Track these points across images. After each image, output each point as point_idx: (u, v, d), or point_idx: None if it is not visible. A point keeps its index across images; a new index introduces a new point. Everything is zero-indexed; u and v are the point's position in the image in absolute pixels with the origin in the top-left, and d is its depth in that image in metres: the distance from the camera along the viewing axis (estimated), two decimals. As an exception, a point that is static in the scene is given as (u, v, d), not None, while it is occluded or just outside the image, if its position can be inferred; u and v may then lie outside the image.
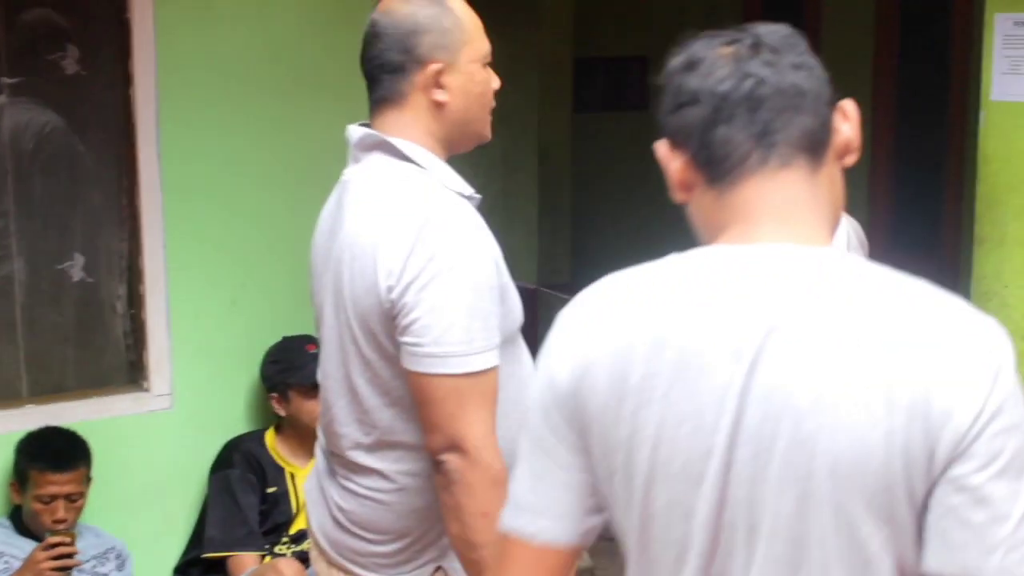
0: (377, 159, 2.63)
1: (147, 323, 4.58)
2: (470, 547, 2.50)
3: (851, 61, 7.35)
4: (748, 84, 1.70)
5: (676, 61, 1.79)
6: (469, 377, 2.48)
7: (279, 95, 4.70)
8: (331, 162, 4.72)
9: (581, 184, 7.46)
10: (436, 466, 2.51)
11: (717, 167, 1.73)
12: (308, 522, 2.90)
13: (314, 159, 4.73)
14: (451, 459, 2.49)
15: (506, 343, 2.60)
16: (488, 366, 2.49)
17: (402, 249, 2.48)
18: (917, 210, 6.62)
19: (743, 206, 1.72)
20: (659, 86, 1.79)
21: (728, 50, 1.74)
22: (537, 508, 1.78)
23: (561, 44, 6.98)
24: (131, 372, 4.66)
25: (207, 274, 4.65)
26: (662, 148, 1.79)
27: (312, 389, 4.42)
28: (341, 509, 2.73)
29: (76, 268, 4.52)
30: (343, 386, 2.66)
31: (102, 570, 4.24)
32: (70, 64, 4.39)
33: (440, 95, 2.61)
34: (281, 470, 4.56)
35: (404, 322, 2.47)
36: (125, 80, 4.45)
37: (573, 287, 6.77)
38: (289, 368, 4.54)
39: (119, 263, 4.59)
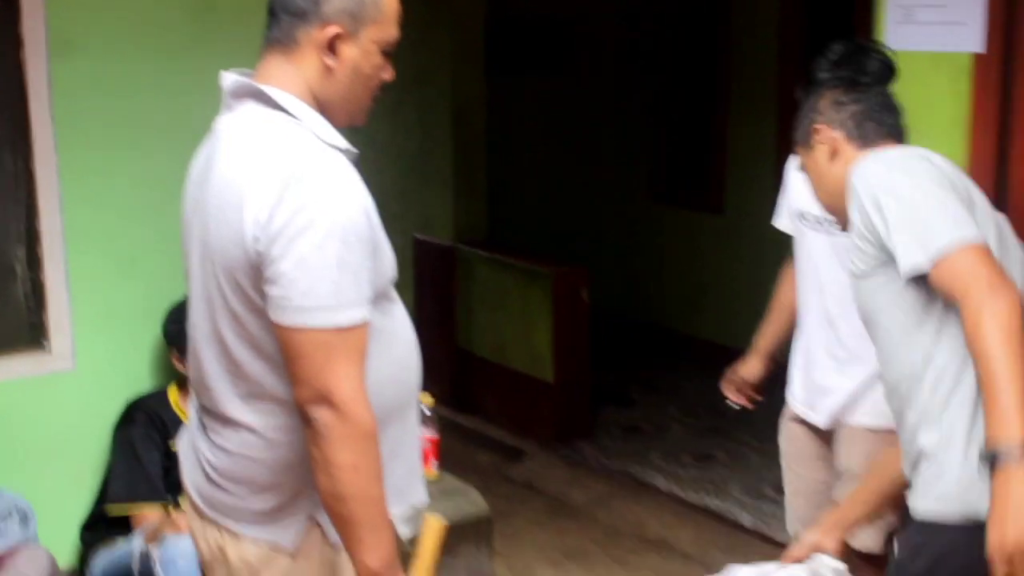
0: (250, 108, 2.58)
1: (46, 285, 4.57)
2: (339, 500, 2.47)
3: (761, 15, 7.46)
4: None
5: None
6: (338, 331, 2.43)
7: (175, 55, 4.68)
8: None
9: (496, 144, 7.48)
10: (305, 420, 2.47)
11: None
12: (182, 478, 2.85)
13: (212, 117, 4.77)
14: (320, 413, 2.44)
15: (378, 297, 2.57)
16: (357, 320, 2.45)
17: (270, 199, 2.42)
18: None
19: None
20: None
21: None
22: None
23: (474, 5, 6.97)
24: (32, 333, 4.64)
25: (106, 234, 4.64)
26: None
27: (211, 347, 4.48)
28: (212, 464, 2.69)
29: (-29, 231, 4.52)
30: (212, 339, 2.62)
31: (5, 528, 4.20)
32: None
33: (330, 60, 2.56)
34: (183, 425, 4.55)
35: (271, 274, 2.42)
36: (16, 43, 4.42)
37: (489, 244, 6.83)
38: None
39: (16, 225, 4.56)
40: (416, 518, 2.80)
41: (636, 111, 8.45)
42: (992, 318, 2.50)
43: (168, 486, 4.48)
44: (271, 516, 2.63)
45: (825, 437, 3.82)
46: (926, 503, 2.69)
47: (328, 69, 2.56)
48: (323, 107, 2.59)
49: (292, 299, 2.41)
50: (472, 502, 4.12)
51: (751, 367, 4.14)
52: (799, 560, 3.23)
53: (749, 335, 7.42)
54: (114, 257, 4.68)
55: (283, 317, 2.42)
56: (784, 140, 7.17)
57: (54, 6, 4.42)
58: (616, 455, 6.48)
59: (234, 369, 2.59)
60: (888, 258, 2.70)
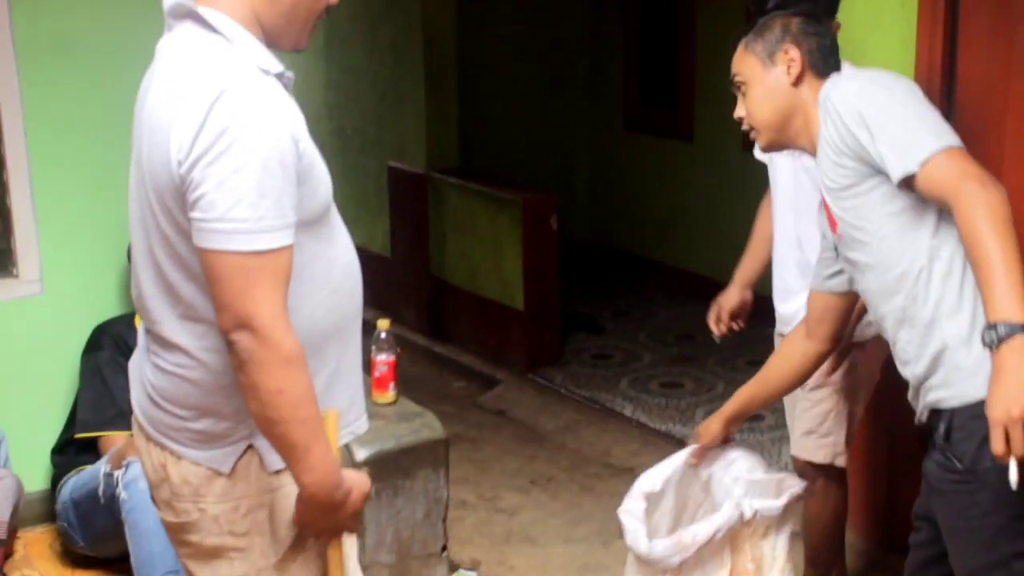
0: (186, 29, 2.57)
1: (12, 210, 4.62)
2: (270, 423, 2.48)
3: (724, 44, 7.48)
4: None
5: None
6: (258, 255, 2.42)
7: None
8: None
9: (469, 71, 7.50)
10: (229, 345, 2.47)
11: None
12: (131, 397, 2.86)
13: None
14: (241, 338, 2.44)
15: (313, 223, 2.58)
16: (278, 245, 2.43)
17: (193, 122, 2.42)
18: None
19: None
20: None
21: None
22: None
23: None
24: (0, 259, 4.71)
25: (71, 159, 4.68)
26: None
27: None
28: (153, 385, 2.70)
29: (-63, 156, 4.54)
30: (148, 259, 2.64)
31: None
32: None
33: None
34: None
35: (193, 197, 2.42)
36: None
37: (461, 171, 6.85)
38: None
39: None
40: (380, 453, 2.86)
41: (608, 37, 8.47)
42: (986, 207, 2.61)
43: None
44: (209, 440, 2.65)
45: None
46: (975, 386, 2.73)
47: None
48: (267, 31, 2.59)
49: (211, 222, 2.40)
50: (428, 425, 4.14)
51: (731, 297, 4.17)
52: (707, 447, 3.58)
53: (718, 261, 7.50)
54: (81, 182, 4.71)
55: (203, 240, 2.42)
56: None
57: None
58: (586, 383, 6.55)
59: (168, 290, 2.60)
60: (872, 170, 2.81)
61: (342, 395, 2.75)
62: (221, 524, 2.68)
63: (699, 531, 3.36)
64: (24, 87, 4.54)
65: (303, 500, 2.55)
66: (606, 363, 6.86)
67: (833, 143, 2.89)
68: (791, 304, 3.91)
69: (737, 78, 3.16)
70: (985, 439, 2.61)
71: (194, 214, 2.42)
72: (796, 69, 3.06)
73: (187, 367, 2.61)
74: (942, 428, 2.83)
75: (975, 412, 2.69)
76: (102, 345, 4.58)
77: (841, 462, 3.93)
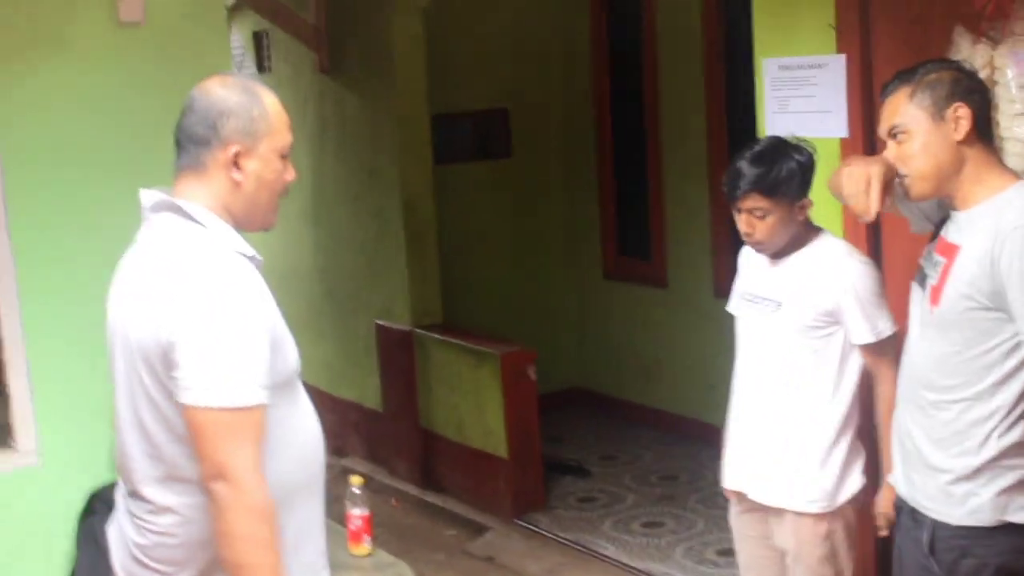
0: (165, 218, 2.82)
1: (10, 387, 4.73)
2: (238, 568, 2.63)
3: (686, 110, 7.72)
4: None
5: None
6: (234, 411, 2.61)
7: (119, 163, 4.84)
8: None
9: (448, 229, 7.69)
10: (208, 495, 2.65)
11: None
12: (111, 564, 2.99)
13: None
14: (218, 487, 2.61)
15: (282, 387, 2.78)
16: (253, 403, 2.63)
17: (177, 297, 2.67)
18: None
19: None
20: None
21: None
22: None
23: (416, 101, 7.18)
24: None
25: (66, 338, 4.79)
26: None
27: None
28: (137, 544, 2.85)
29: (-59, 339, 4.66)
30: (133, 423, 2.82)
31: None
32: None
33: (237, 175, 2.80)
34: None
35: (177, 360, 2.64)
36: None
37: (444, 327, 7.00)
38: None
39: None
40: None
41: (582, 191, 8.64)
42: None
43: (131, 572, 4.67)
44: None
45: (765, 514, 3.93)
46: (958, 516, 3.04)
47: (236, 183, 2.82)
48: (235, 217, 2.84)
49: (193, 381, 2.62)
50: (401, 575, 4.29)
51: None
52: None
53: (699, 401, 7.67)
54: (74, 359, 4.79)
55: (186, 397, 2.63)
56: (717, 225, 7.51)
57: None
58: (570, 526, 6.61)
59: (153, 452, 2.78)
60: (996, 310, 2.93)
61: (309, 547, 2.90)
62: None
63: None
64: (19, 272, 4.68)
65: None
66: (591, 506, 6.92)
67: (987, 271, 2.92)
68: (754, 481, 3.91)
69: (897, 128, 3.06)
70: (960, 559, 2.97)
71: (176, 374, 2.64)
72: (966, 127, 3.01)
73: (169, 524, 2.78)
74: (926, 537, 3.06)
75: (952, 533, 3.01)
76: (96, 510, 4.53)
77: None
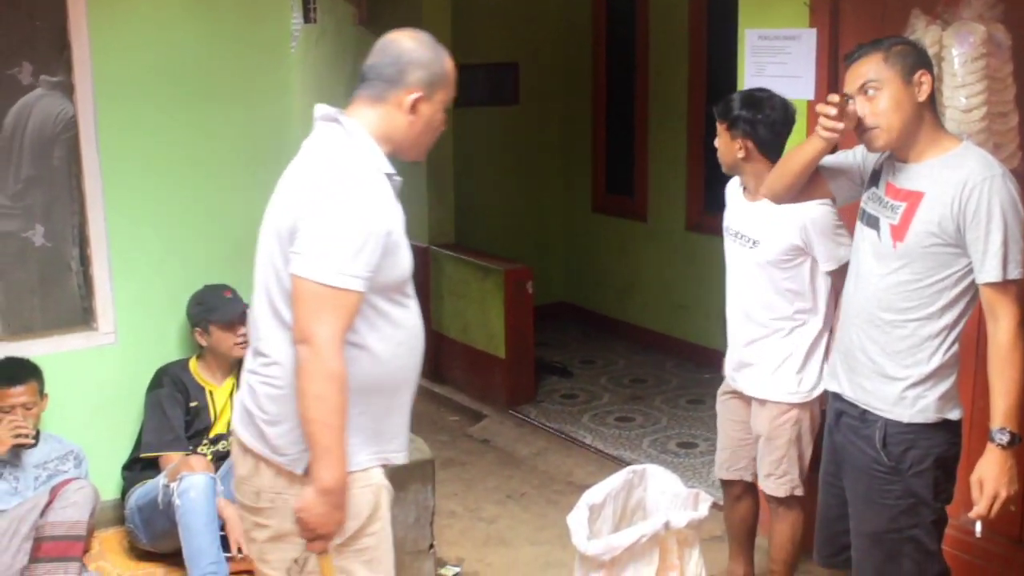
0: (327, 128, 2.84)
1: (94, 277, 4.79)
2: (307, 423, 2.65)
3: (672, 70, 7.69)
4: None
5: None
6: (328, 288, 2.61)
7: (195, 94, 4.90)
8: (245, 149, 4.95)
9: (462, 163, 7.65)
10: (296, 354, 2.69)
11: None
12: (232, 425, 3.00)
13: (227, 144, 4.99)
14: (302, 349, 2.63)
15: (390, 290, 2.77)
16: (345, 286, 2.62)
17: (312, 186, 2.72)
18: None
19: None
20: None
21: None
22: None
23: None
24: (84, 316, 4.86)
25: (141, 238, 4.87)
26: None
27: (227, 325, 4.70)
28: (253, 398, 2.84)
29: (38, 236, 4.71)
30: (263, 288, 2.83)
31: (63, 468, 4.43)
32: (25, 76, 4.57)
33: (411, 116, 2.80)
34: (202, 388, 4.78)
35: (296, 237, 2.69)
36: (69, 90, 4.63)
37: (456, 246, 6.96)
38: (210, 309, 4.75)
39: (72, 232, 4.78)
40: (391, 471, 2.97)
41: (578, 138, 8.61)
42: (1020, 338, 2.96)
43: (188, 436, 4.69)
44: (284, 444, 2.79)
45: (747, 402, 4.05)
46: (910, 415, 3.11)
47: (409, 122, 2.82)
48: (395, 146, 2.84)
49: (302, 255, 2.66)
50: (419, 449, 4.24)
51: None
52: None
53: (668, 319, 7.67)
54: (147, 256, 4.88)
55: (294, 267, 2.67)
56: (693, 170, 7.51)
57: (99, 62, 4.62)
58: (555, 417, 6.64)
59: (272, 313, 2.79)
60: (955, 246, 2.99)
61: (393, 424, 2.89)
62: (292, 515, 2.79)
63: (626, 536, 3.51)
64: (105, 184, 4.72)
65: (317, 492, 2.67)
66: (573, 401, 6.95)
67: (944, 207, 2.97)
68: (742, 374, 4.02)
69: (871, 83, 3.04)
70: (907, 451, 3.06)
71: (294, 247, 2.68)
72: (927, 91, 3.04)
73: (277, 376, 2.79)
74: (879, 434, 3.12)
75: (902, 430, 3.09)
76: (162, 383, 4.73)
77: (799, 492, 4.00)
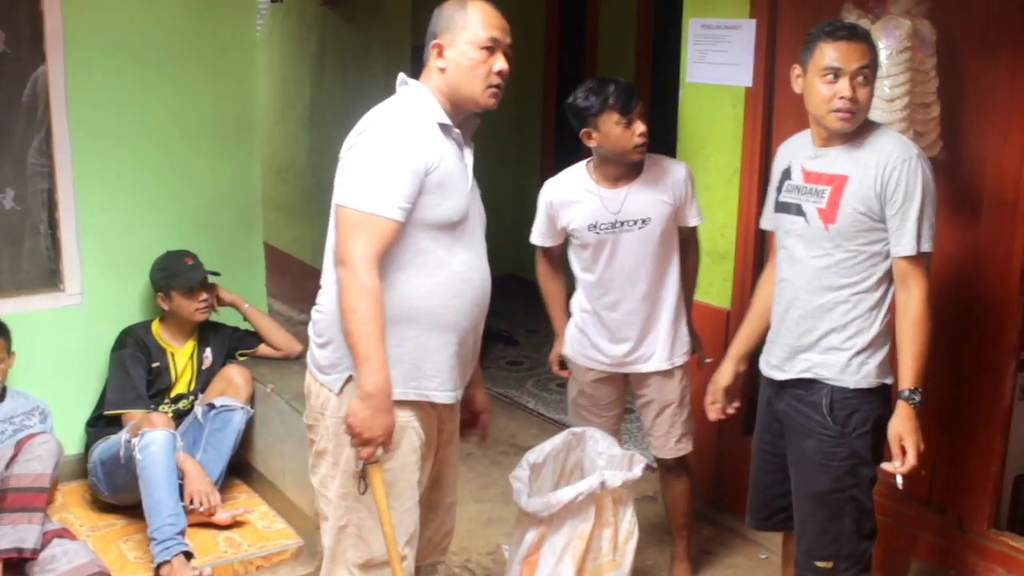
0: (399, 92, 2.97)
1: (62, 240, 4.75)
2: (348, 335, 2.75)
3: (619, 55, 7.71)
4: None
5: None
6: (362, 213, 2.73)
7: (164, 66, 4.86)
8: (210, 121, 4.93)
9: None
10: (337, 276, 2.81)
11: None
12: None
13: (194, 116, 4.95)
14: (340, 270, 2.76)
15: (434, 229, 2.85)
16: (378, 212, 2.72)
17: (358, 128, 2.85)
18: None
19: None
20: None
21: None
22: None
23: (400, 32, 7.09)
24: (51, 277, 4.83)
25: (108, 204, 4.82)
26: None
27: (188, 291, 4.67)
28: (312, 324, 2.98)
29: (8, 199, 4.67)
30: (330, 227, 2.92)
31: (28, 423, 4.38)
32: None
33: (440, 63, 2.91)
34: (163, 350, 4.76)
35: (340, 169, 2.81)
36: (41, 58, 4.58)
37: None
38: (172, 274, 4.72)
39: (41, 196, 4.74)
40: (430, 408, 3.00)
41: (529, 111, 8.62)
42: (929, 307, 3.03)
43: (149, 395, 4.67)
44: (328, 365, 2.91)
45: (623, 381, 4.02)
46: (855, 381, 3.16)
47: (440, 69, 2.92)
48: (447, 97, 2.93)
49: (341, 184, 2.78)
50: None
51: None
52: (726, 389, 3.58)
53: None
54: (114, 222, 4.84)
55: (335, 197, 2.80)
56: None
57: (71, 30, 4.55)
58: (501, 382, 6.65)
59: (330, 246, 2.90)
60: (881, 222, 3.04)
61: (433, 361, 2.93)
62: (330, 433, 2.92)
63: (564, 493, 3.54)
64: (74, 151, 4.67)
65: (361, 398, 2.75)
66: (517, 368, 6.96)
67: (870, 182, 3.02)
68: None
69: (867, 70, 3.01)
70: (852, 414, 3.12)
71: (336, 179, 2.79)
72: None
73: (324, 302, 2.91)
74: (825, 401, 3.17)
75: (848, 395, 3.14)
76: (126, 344, 4.70)
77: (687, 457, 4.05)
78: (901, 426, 3.06)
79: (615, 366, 3.96)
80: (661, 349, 3.90)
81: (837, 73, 2.99)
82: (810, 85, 3.06)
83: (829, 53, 3.00)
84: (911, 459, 3.04)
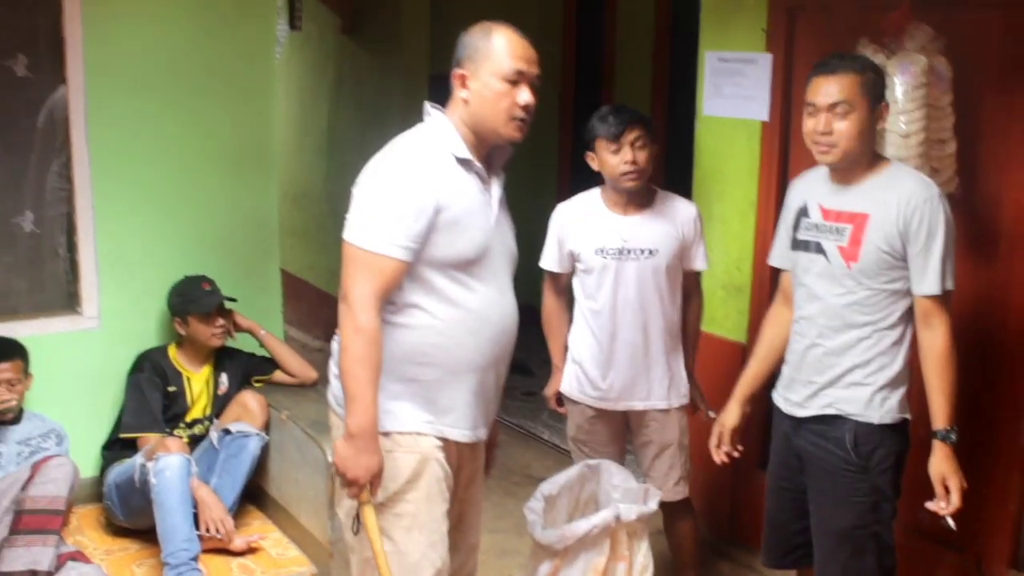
0: (424, 122, 2.91)
1: (81, 264, 4.78)
2: (342, 373, 2.72)
3: (636, 86, 7.73)
4: None
5: None
6: (364, 251, 2.67)
7: (183, 92, 4.90)
8: (228, 147, 4.94)
9: None
10: None
11: None
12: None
13: (212, 142, 4.98)
14: (341, 305, 2.71)
15: (450, 268, 2.79)
16: (378, 250, 2.67)
17: (369, 167, 2.79)
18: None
19: None
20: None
21: None
22: None
23: (418, 61, 7.12)
24: (69, 300, 4.85)
25: (127, 228, 4.86)
26: None
27: (204, 316, 4.69)
28: (334, 356, 2.92)
29: (27, 222, 4.71)
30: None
31: (44, 445, 4.40)
32: (20, 69, 4.57)
33: (463, 93, 2.83)
34: (180, 374, 4.77)
35: (351, 203, 2.75)
36: (61, 83, 4.62)
37: None
38: (189, 300, 4.75)
39: (60, 221, 4.77)
40: (451, 446, 2.94)
41: (544, 148, 8.60)
42: (954, 344, 3.03)
43: (165, 419, 4.68)
44: (341, 398, 2.82)
45: (621, 420, 3.97)
46: (879, 416, 3.14)
47: (464, 100, 2.84)
48: (470, 128, 2.86)
49: (348, 222, 2.72)
50: None
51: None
52: (733, 429, 3.53)
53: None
54: (133, 246, 4.88)
55: (343, 233, 2.74)
56: (655, 183, 7.51)
57: (91, 55, 4.61)
58: (515, 413, 6.60)
59: None
60: (903, 260, 3.03)
61: (447, 397, 2.88)
62: None
63: (579, 526, 3.49)
64: (94, 174, 4.70)
65: (345, 438, 2.72)
66: (532, 399, 6.88)
67: (897, 224, 3.01)
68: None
69: (843, 105, 3.01)
70: (875, 450, 3.10)
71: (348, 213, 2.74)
72: (885, 120, 3.16)
73: (339, 337, 2.82)
74: (849, 437, 3.14)
75: (871, 431, 3.12)
76: (143, 368, 4.72)
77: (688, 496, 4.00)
78: (943, 466, 3.05)
79: (610, 401, 3.92)
80: (658, 387, 3.86)
81: (814, 107, 3.05)
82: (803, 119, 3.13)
83: (810, 88, 3.07)
84: (955, 500, 3.03)
